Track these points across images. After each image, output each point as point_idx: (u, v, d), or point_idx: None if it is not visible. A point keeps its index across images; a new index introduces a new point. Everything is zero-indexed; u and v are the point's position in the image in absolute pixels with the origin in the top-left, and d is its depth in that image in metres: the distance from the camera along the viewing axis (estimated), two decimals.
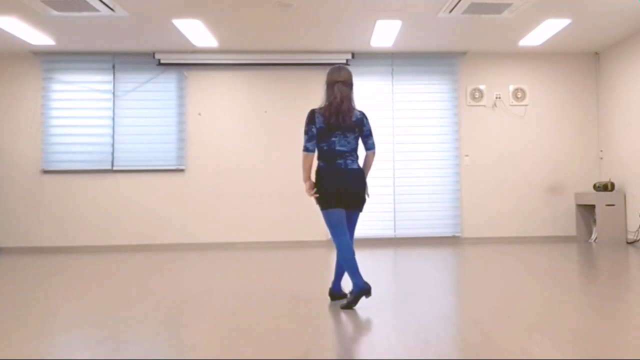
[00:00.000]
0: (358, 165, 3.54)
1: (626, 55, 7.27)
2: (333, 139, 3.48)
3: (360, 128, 3.55)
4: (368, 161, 3.63)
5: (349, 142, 3.51)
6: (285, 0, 5.71)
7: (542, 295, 3.67)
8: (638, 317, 2.98)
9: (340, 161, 3.48)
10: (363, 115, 3.59)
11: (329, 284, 4.29)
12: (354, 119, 3.51)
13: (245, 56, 7.61)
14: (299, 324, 2.92)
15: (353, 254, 3.40)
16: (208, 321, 3.04)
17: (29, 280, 4.76)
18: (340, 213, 3.48)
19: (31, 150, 7.54)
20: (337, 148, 3.48)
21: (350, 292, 3.35)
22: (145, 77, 7.65)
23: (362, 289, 3.28)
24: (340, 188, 3.44)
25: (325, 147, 3.50)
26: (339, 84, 3.48)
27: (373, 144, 3.60)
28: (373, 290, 3.83)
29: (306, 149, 3.49)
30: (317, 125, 3.49)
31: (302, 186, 7.70)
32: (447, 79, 7.84)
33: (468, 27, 6.72)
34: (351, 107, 3.50)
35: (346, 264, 3.38)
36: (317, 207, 7.66)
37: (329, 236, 7.58)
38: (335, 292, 3.62)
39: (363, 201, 3.56)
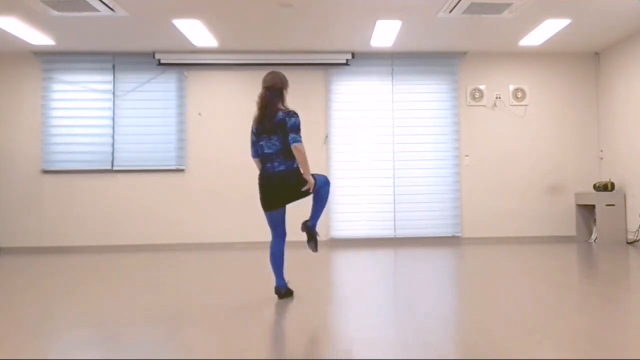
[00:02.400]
0: (287, 166, 3.62)
1: (626, 55, 7.27)
2: (261, 142, 3.69)
3: (283, 128, 3.61)
4: (296, 157, 3.62)
5: (273, 144, 3.64)
6: (285, 0, 5.70)
7: (542, 295, 3.67)
8: (638, 317, 2.98)
9: (269, 164, 3.66)
10: (286, 114, 3.63)
11: (329, 284, 4.29)
12: (276, 121, 3.61)
13: (245, 56, 7.60)
14: (299, 324, 2.92)
15: (278, 255, 3.73)
16: (208, 321, 3.04)
17: (29, 280, 4.76)
18: (270, 216, 3.72)
19: (31, 150, 7.54)
20: (265, 151, 3.67)
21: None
22: (145, 77, 7.65)
23: (276, 288, 3.72)
24: (266, 192, 3.67)
25: (259, 152, 3.72)
26: (263, 89, 3.69)
27: (293, 138, 3.59)
28: (373, 290, 3.83)
29: (251, 155, 3.79)
30: (252, 131, 3.75)
31: None
32: (447, 79, 7.84)
33: (468, 27, 6.72)
34: (274, 111, 3.63)
35: (272, 262, 3.74)
36: None
37: (329, 236, 7.59)
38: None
39: (289, 199, 3.68)
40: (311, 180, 3.64)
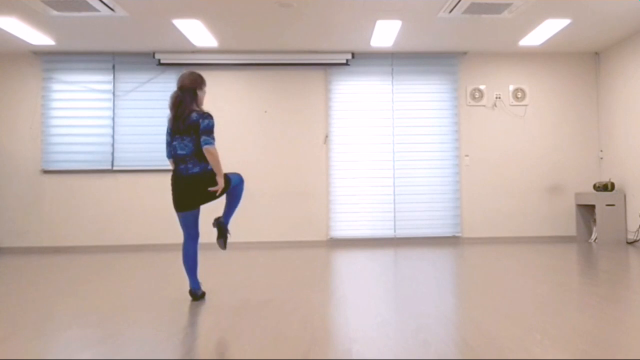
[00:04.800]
0: (201, 168, 3.60)
1: (626, 55, 7.27)
2: (174, 143, 3.67)
3: (197, 129, 3.59)
4: (208, 159, 3.59)
5: (186, 146, 3.62)
6: (285, 0, 5.70)
7: (542, 295, 3.67)
8: (638, 317, 2.98)
9: (182, 166, 3.64)
10: (200, 116, 3.61)
11: (329, 284, 4.29)
12: (189, 122, 3.59)
13: (245, 56, 7.61)
14: (299, 324, 2.92)
15: (192, 257, 3.72)
16: (208, 321, 3.04)
17: (29, 280, 4.76)
18: (183, 217, 3.72)
19: (31, 150, 7.54)
20: (178, 152, 3.66)
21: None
22: (145, 77, 7.66)
23: (190, 290, 3.70)
24: (179, 193, 3.65)
25: (172, 152, 3.70)
26: (176, 90, 3.70)
27: (205, 140, 3.56)
28: (373, 290, 3.83)
29: (166, 155, 3.80)
30: (167, 131, 3.75)
31: (302, 186, 7.71)
32: (447, 79, 7.84)
33: (468, 27, 6.72)
34: (187, 112, 3.62)
35: (185, 264, 3.73)
36: (315, 207, 7.66)
37: (329, 236, 7.59)
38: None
39: (198, 202, 3.66)
40: (221, 183, 3.62)
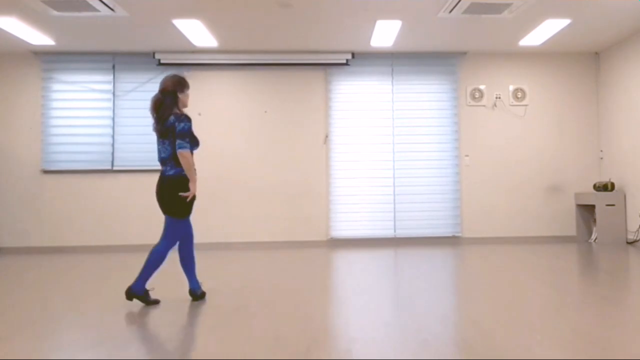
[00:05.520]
0: (176, 172, 3.59)
1: (626, 55, 7.27)
2: (158, 146, 3.68)
3: (173, 132, 3.58)
4: (181, 163, 3.57)
5: (166, 149, 3.63)
6: (285, 0, 5.70)
7: (542, 295, 3.67)
8: (638, 317, 2.98)
9: (163, 168, 3.66)
10: (177, 119, 3.58)
11: (329, 285, 4.29)
12: (167, 125, 3.59)
13: (245, 56, 7.60)
14: (299, 324, 2.92)
15: (185, 258, 3.76)
16: (208, 321, 3.04)
17: (29, 280, 4.76)
18: (168, 220, 3.68)
19: (31, 150, 7.54)
20: (161, 155, 3.66)
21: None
22: (145, 77, 7.65)
23: (190, 290, 3.73)
24: (158, 196, 3.65)
25: (158, 155, 3.71)
26: (157, 93, 3.70)
27: (179, 144, 3.54)
28: (373, 290, 3.83)
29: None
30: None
31: (302, 186, 7.71)
32: (447, 79, 7.84)
33: (468, 27, 6.72)
34: (166, 114, 3.61)
35: (181, 266, 3.78)
36: (315, 207, 7.66)
37: (329, 236, 7.59)
38: (137, 291, 3.59)
39: (170, 206, 3.61)
40: (193, 190, 3.59)
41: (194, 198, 3.65)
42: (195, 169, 3.63)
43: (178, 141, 3.54)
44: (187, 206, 3.64)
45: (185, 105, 3.75)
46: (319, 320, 3.02)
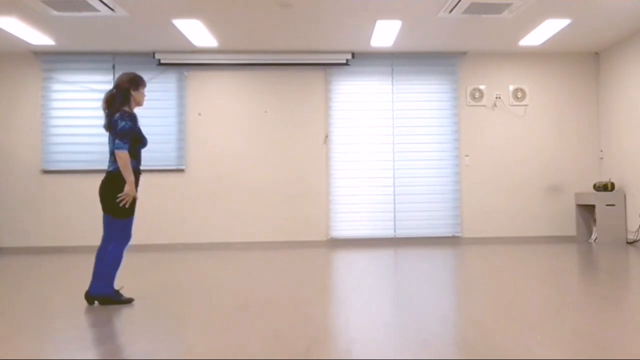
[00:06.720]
0: (115, 168, 3.56)
1: (626, 55, 7.27)
2: (109, 143, 3.66)
3: (115, 129, 3.56)
4: (118, 163, 3.54)
5: (110, 144, 3.62)
6: (285, 0, 5.70)
7: (542, 295, 3.67)
8: (638, 317, 2.98)
9: (108, 163, 3.63)
10: (120, 116, 3.57)
11: (329, 284, 4.29)
12: (112, 121, 3.59)
13: (245, 56, 7.60)
14: (299, 324, 2.92)
15: (99, 259, 3.57)
16: (208, 321, 3.04)
17: (29, 280, 4.76)
18: (105, 218, 3.64)
19: (31, 150, 7.54)
20: (109, 150, 3.63)
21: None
22: (145, 77, 7.51)
23: (86, 292, 3.56)
24: (99, 191, 3.61)
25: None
26: (111, 89, 3.71)
27: (117, 144, 3.51)
28: (373, 290, 3.83)
29: None
30: None
31: (302, 186, 7.71)
32: (447, 79, 7.84)
33: (468, 27, 6.72)
34: (113, 111, 3.60)
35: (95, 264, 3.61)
36: (315, 207, 7.66)
37: (329, 236, 7.59)
38: (105, 294, 3.56)
39: (106, 204, 3.57)
40: (128, 191, 3.52)
41: (134, 200, 3.57)
42: (132, 170, 3.55)
43: (116, 141, 3.51)
44: (125, 207, 3.54)
45: (139, 104, 3.76)
46: (319, 320, 3.02)
